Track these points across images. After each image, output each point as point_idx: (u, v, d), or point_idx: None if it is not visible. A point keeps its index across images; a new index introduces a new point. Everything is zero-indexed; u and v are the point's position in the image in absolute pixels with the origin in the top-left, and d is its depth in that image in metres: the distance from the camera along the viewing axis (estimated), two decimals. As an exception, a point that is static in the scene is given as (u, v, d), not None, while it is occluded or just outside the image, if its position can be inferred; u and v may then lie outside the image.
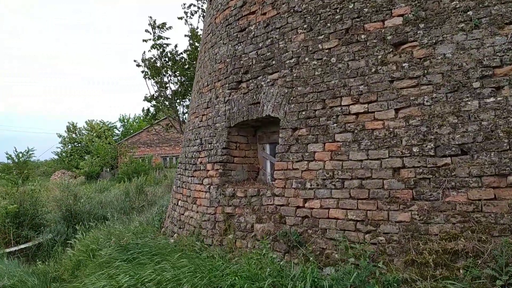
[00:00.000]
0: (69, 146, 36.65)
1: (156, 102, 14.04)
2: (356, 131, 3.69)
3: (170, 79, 13.74)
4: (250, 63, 4.97)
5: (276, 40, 4.63)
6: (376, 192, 3.45)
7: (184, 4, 13.18)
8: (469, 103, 3.17)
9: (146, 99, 13.95)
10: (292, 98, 4.29)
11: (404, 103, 3.45)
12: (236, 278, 3.10)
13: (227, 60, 5.43)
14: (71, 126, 37.83)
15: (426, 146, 3.26)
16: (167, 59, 13.47)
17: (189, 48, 13.51)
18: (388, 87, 3.57)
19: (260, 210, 4.37)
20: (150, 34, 13.20)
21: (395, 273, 3.03)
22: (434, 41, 3.42)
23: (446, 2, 3.43)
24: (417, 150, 3.29)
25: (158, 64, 13.44)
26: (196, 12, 13.35)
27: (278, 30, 4.64)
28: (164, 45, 13.35)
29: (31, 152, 26.26)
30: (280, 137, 4.34)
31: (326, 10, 4.17)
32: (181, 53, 13.57)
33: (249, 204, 4.51)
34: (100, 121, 38.56)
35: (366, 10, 3.86)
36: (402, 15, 3.64)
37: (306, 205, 3.91)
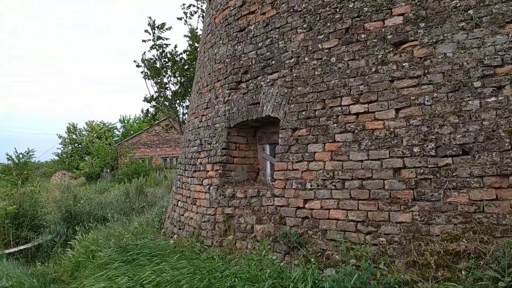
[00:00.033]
0: (70, 147, 36.66)
1: (156, 102, 14.02)
2: (356, 131, 3.66)
3: (170, 80, 13.73)
4: (250, 63, 4.95)
5: (276, 40, 4.61)
6: (376, 192, 3.42)
7: (184, 5, 13.18)
8: (470, 102, 3.15)
9: (145, 99, 13.93)
10: (292, 98, 4.26)
11: (404, 103, 3.43)
12: (236, 279, 3.08)
13: (227, 60, 5.40)
14: (71, 127, 37.85)
15: (427, 146, 3.23)
16: (166, 59, 13.46)
17: (189, 48, 13.49)
18: (389, 86, 3.55)
19: (260, 211, 4.34)
20: (150, 34, 13.20)
21: (396, 274, 3.00)
22: (434, 40, 3.40)
23: (446, 1, 3.41)
24: (418, 150, 3.27)
25: (158, 65, 13.43)
26: (195, 12, 13.34)
27: (277, 29, 4.62)
28: (164, 46, 13.34)
29: (31, 153, 26.24)
30: (280, 138, 4.31)
31: (326, 9, 4.15)
32: (181, 53, 13.56)
33: (249, 205, 4.48)
34: (101, 122, 38.59)
35: (366, 9, 3.84)
36: (402, 14, 3.61)
37: (306, 205, 3.89)
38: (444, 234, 3.01)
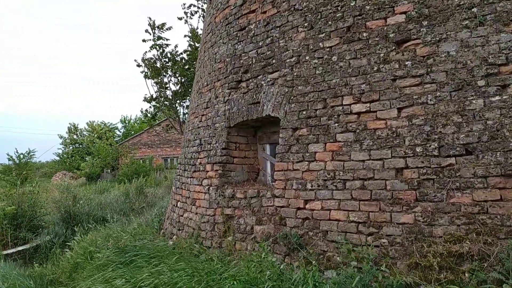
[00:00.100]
0: (70, 147, 36.68)
1: (156, 102, 13.98)
2: (357, 131, 3.61)
3: (170, 80, 13.69)
4: (250, 62, 4.90)
5: (276, 38, 4.56)
6: (378, 193, 3.37)
7: (184, 4, 13.15)
8: (473, 102, 3.09)
9: (145, 99, 13.90)
10: (292, 97, 4.21)
11: (407, 102, 3.37)
12: (235, 282, 3.02)
13: (227, 59, 5.36)
14: (72, 127, 37.90)
15: (429, 146, 3.18)
16: (167, 59, 13.42)
17: (189, 48, 13.46)
18: (391, 85, 3.49)
19: (260, 212, 4.29)
20: (150, 34, 13.17)
21: (398, 276, 2.95)
22: (437, 38, 3.35)
23: (449, -1, 3.36)
24: (421, 150, 3.21)
25: (158, 65, 13.39)
26: (196, 12, 13.31)
27: (278, 28, 4.57)
28: (164, 46, 13.31)
29: (32, 153, 26.23)
30: (280, 137, 4.26)
31: (327, 8, 4.10)
32: (181, 53, 13.52)
33: (249, 205, 4.43)
34: (101, 122, 38.61)
35: (368, 7, 3.78)
36: (404, 13, 3.56)
37: (307, 206, 3.83)
38: (447, 235, 2.95)
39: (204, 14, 11.20)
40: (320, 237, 3.65)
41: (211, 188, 5.06)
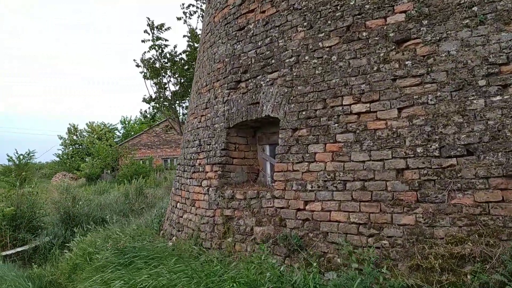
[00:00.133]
0: (70, 148, 36.65)
1: (155, 103, 13.96)
2: (358, 131, 3.58)
3: (170, 80, 13.67)
4: (249, 62, 4.87)
5: (276, 38, 4.53)
6: (379, 194, 3.34)
7: (183, 4, 13.13)
8: (474, 101, 3.06)
9: (144, 100, 13.87)
10: (292, 97, 4.18)
11: (407, 102, 3.34)
12: (234, 284, 2.99)
13: (226, 59, 5.33)
14: (72, 128, 37.86)
15: (430, 147, 3.15)
16: (166, 60, 13.40)
17: (188, 48, 13.44)
18: (391, 85, 3.47)
19: (260, 213, 4.26)
20: (149, 34, 13.14)
21: (400, 278, 2.92)
22: (438, 38, 3.32)
23: (450, -2, 3.33)
24: (421, 151, 3.18)
25: (157, 65, 13.37)
26: (195, 12, 13.30)
27: (277, 28, 4.54)
28: (163, 46, 13.29)
29: (32, 154, 26.19)
30: (280, 138, 4.23)
31: (327, 7, 4.07)
32: (180, 53, 13.50)
33: (249, 206, 4.40)
34: (101, 123, 38.57)
35: (367, 6, 3.76)
36: (404, 12, 3.53)
37: (307, 207, 3.80)
38: (449, 236, 2.92)
39: (203, 14, 11.17)
40: (321, 238, 3.62)
41: (210, 189, 5.03)
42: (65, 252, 6.41)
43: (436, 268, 2.85)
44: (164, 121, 19.20)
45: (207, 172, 5.21)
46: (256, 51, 4.80)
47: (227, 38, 5.39)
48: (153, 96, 13.81)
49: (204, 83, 5.93)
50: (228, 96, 5.16)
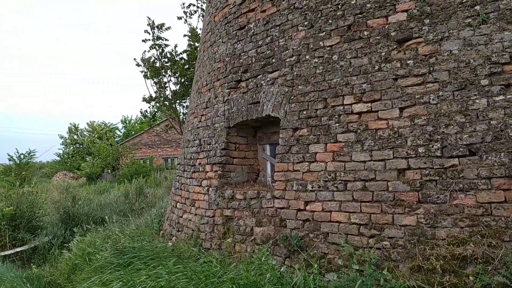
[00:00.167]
0: (71, 148, 36.65)
1: (155, 102, 13.94)
2: (359, 131, 3.55)
3: (170, 79, 13.64)
4: (250, 61, 4.84)
5: (276, 38, 4.50)
6: (380, 194, 3.31)
7: (184, 4, 13.11)
8: (477, 101, 3.03)
9: (144, 100, 13.85)
10: (292, 97, 4.15)
11: (409, 102, 3.31)
12: (234, 286, 2.96)
13: (226, 59, 5.30)
14: (72, 127, 37.86)
15: (432, 147, 3.12)
16: (166, 59, 13.38)
17: (189, 48, 13.41)
18: (392, 85, 3.43)
19: (260, 213, 4.23)
20: (149, 34, 13.12)
21: (401, 280, 2.89)
22: (440, 37, 3.29)
23: (452, -3, 3.30)
24: (423, 151, 3.15)
25: (158, 65, 13.35)
26: (195, 11, 13.27)
27: (278, 27, 4.51)
28: (163, 46, 13.26)
29: (32, 154, 26.19)
30: (280, 138, 4.20)
31: (328, 6, 4.04)
32: (181, 53, 13.48)
33: (249, 206, 4.37)
34: (102, 123, 38.57)
35: (369, 5, 3.72)
36: (406, 11, 3.50)
37: (307, 208, 3.77)
38: (451, 237, 2.89)
39: (204, 13, 11.14)
40: (321, 239, 3.59)
41: (210, 189, 5.00)
42: (65, 252, 6.39)
43: (437, 269, 2.82)
44: (164, 120, 19.19)
45: (207, 172, 5.19)
46: (256, 50, 4.77)
47: (228, 38, 5.36)
48: (154, 96, 13.79)
49: (205, 83, 5.90)
50: (229, 95, 5.13)
